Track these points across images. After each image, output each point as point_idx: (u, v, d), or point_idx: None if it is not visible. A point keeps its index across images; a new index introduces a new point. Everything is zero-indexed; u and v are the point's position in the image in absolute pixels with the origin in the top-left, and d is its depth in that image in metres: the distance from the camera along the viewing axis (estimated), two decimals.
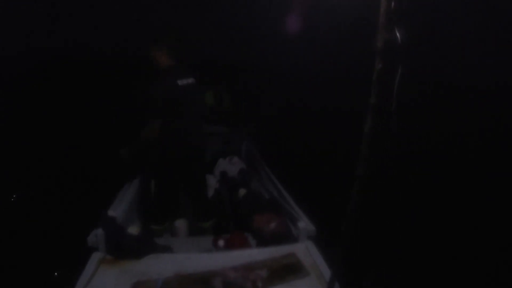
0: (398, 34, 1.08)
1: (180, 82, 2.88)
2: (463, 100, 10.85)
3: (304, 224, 2.51)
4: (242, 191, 3.54)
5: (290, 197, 3.03)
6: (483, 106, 10.59)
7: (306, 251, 2.34)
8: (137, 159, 3.09)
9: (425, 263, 3.47)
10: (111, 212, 2.64)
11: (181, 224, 3.23)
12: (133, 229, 2.38)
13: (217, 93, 5.13)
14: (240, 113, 5.37)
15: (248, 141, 4.97)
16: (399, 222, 3.41)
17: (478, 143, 7.53)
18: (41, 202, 4.27)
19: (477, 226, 4.11)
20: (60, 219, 3.86)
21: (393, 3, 1.04)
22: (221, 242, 2.76)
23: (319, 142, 7.03)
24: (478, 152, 6.97)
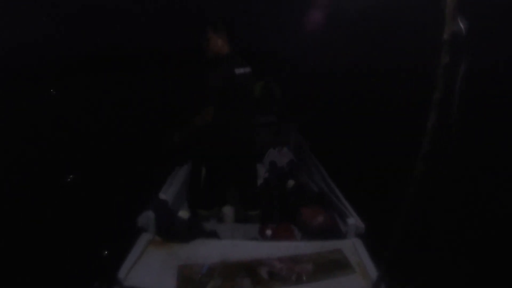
0: (462, 26, 0.99)
1: (237, 71, 2.87)
2: None
3: (353, 220, 2.44)
4: (291, 183, 3.52)
5: (339, 191, 2.96)
6: None
7: (353, 248, 2.28)
8: (188, 144, 3.16)
9: (479, 273, 3.20)
10: (162, 195, 2.72)
11: (228, 210, 3.28)
12: (184, 214, 2.45)
13: (267, 85, 5.11)
14: (291, 104, 5.32)
15: (298, 133, 4.92)
16: (455, 226, 3.22)
17: None
18: (96, 183, 4.51)
19: None
20: (112, 200, 4.05)
21: None
22: (268, 232, 2.76)
23: (372, 137, 6.79)
24: None
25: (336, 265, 2.09)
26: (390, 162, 4.84)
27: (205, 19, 3.07)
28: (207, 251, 2.16)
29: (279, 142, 4.75)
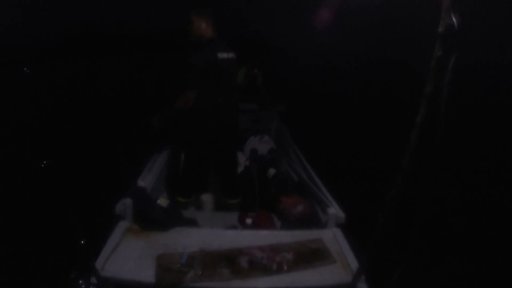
0: (455, 20, 0.98)
1: (221, 55, 2.80)
2: None
3: (334, 210, 2.44)
4: (271, 171, 3.50)
5: (320, 180, 2.96)
6: None
7: (333, 238, 2.28)
8: (169, 128, 3.08)
9: (462, 264, 3.28)
10: (140, 182, 2.65)
11: (207, 198, 3.24)
12: (163, 201, 2.39)
13: (249, 71, 5.05)
14: (272, 92, 5.28)
15: (279, 121, 4.90)
16: (439, 219, 3.27)
17: None
18: (72, 169, 4.38)
19: None
20: (88, 187, 3.94)
21: None
22: (248, 220, 2.75)
23: (356, 128, 6.83)
24: None
25: (316, 254, 2.09)
26: (373, 153, 4.89)
27: (189, 1, 2.98)
28: (186, 240, 2.12)
29: (260, 130, 4.72)
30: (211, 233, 2.28)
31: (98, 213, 2.45)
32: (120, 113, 7.15)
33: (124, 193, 2.38)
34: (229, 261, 1.95)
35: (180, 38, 2.98)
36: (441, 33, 0.98)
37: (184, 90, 2.76)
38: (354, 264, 1.99)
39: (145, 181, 2.77)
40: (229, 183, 3.27)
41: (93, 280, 1.70)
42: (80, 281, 1.64)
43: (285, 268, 1.93)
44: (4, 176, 4.26)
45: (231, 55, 2.90)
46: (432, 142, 1.14)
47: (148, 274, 1.80)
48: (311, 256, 2.07)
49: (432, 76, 1.04)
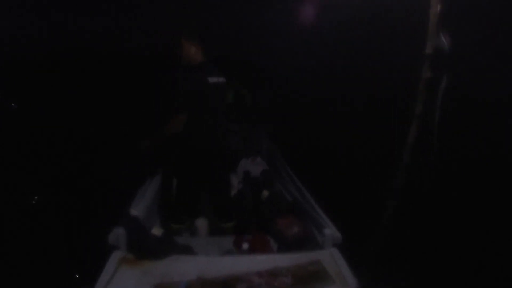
0: (445, 41, 1.00)
1: (210, 80, 2.83)
2: None
3: (330, 230, 2.43)
4: (265, 193, 3.49)
5: (314, 201, 2.95)
6: None
7: (331, 258, 2.26)
8: (157, 152, 3.06)
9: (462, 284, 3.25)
10: (133, 211, 2.61)
11: (202, 223, 3.21)
12: (157, 230, 2.35)
13: (238, 92, 5.08)
14: (260, 111, 5.30)
15: (269, 141, 4.90)
16: (434, 238, 3.25)
17: None
18: (61, 201, 4.31)
19: None
20: (79, 218, 3.87)
21: (440, 7, 0.97)
22: (245, 245, 2.72)
23: (347, 145, 6.84)
24: None
25: (315, 276, 2.07)
26: (366, 171, 4.89)
27: (179, 25, 3.01)
28: (183, 268, 2.08)
29: (252, 151, 4.72)
30: (207, 260, 2.24)
31: (91, 245, 2.40)
32: (109, 137, 7.07)
33: (117, 222, 2.34)
34: None
35: (171, 60, 2.98)
36: (429, 54, 1.01)
37: (173, 114, 2.76)
38: (353, 283, 1.97)
39: (138, 209, 2.72)
40: (222, 207, 3.25)
41: None
42: None
43: None
44: None
45: (220, 79, 2.93)
46: (425, 162, 1.15)
47: None
48: (310, 278, 2.04)
49: (422, 97, 1.07)
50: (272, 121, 5.25)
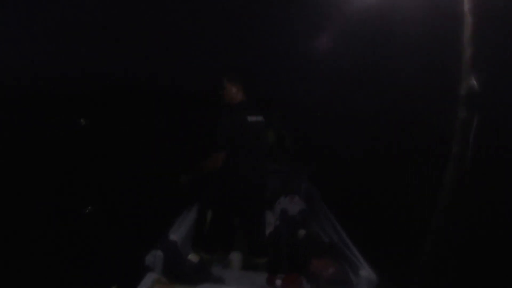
0: (476, 82, 1.03)
1: (250, 119, 2.94)
2: None
3: (366, 272, 2.37)
4: (302, 232, 3.46)
5: (351, 242, 2.90)
6: None
7: None
8: (196, 186, 3.18)
9: None
10: (171, 236, 2.69)
11: (235, 256, 3.22)
12: (194, 257, 2.41)
13: (278, 132, 5.16)
14: (302, 152, 5.34)
15: (308, 182, 4.90)
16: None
17: None
18: (110, 218, 4.51)
19: None
20: (122, 237, 4.03)
21: (471, 49, 1.01)
22: (278, 282, 2.69)
23: (385, 187, 6.71)
24: None
25: None
26: (403, 212, 4.76)
27: (222, 67, 3.21)
28: None
29: (290, 190, 4.72)
30: None
31: (129, 263, 2.49)
32: (151, 168, 7.39)
33: (155, 245, 2.42)
34: None
35: (214, 99, 3.16)
36: (464, 95, 1.04)
37: (212, 151, 2.88)
38: None
39: (176, 235, 2.80)
40: (256, 242, 3.25)
41: None
42: None
43: None
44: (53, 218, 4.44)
45: (260, 118, 3.04)
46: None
47: None
48: None
49: (458, 137, 1.08)
50: (312, 162, 5.27)
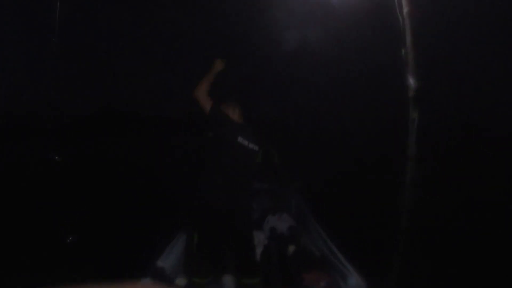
0: (411, 81, 1.09)
1: (242, 141, 2.95)
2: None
3: (355, 281, 2.40)
4: (291, 248, 3.47)
5: (341, 253, 2.92)
6: None
7: None
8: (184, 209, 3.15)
9: None
10: (159, 263, 2.69)
11: (227, 279, 3.19)
12: (181, 281, 2.40)
13: (266, 152, 5.18)
14: (289, 169, 5.38)
15: (297, 197, 4.92)
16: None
17: None
18: (95, 247, 4.46)
19: None
20: (109, 266, 3.99)
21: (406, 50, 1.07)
22: None
23: (365, 195, 6.82)
24: None
25: None
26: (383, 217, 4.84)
27: (219, 89, 3.22)
28: None
29: (279, 207, 4.73)
30: None
31: None
32: (140, 192, 7.35)
33: (144, 273, 2.42)
34: None
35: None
36: (412, 96, 1.10)
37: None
38: None
39: (165, 262, 2.80)
40: (246, 263, 3.23)
41: None
42: None
43: None
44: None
45: (252, 144, 3.03)
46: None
47: None
48: None
49: (412, 138, 1.14)
50: (301, 178, 5.31)
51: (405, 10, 1.08)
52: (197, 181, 2.92)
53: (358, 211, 6.08)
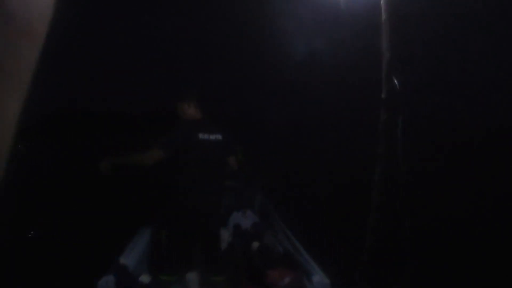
0: (397, 83, 1.13)
1: (202, 136, 2.94)
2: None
3: (319, 277, 2.45)
4: (255, 245, 3.49)
5: (304, 250, 2.97)
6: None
7: None
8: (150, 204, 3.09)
9: None
10: (122, 260, 2.62)
11: (193, 276, 3.16)
12: (144, 278, 2.36)
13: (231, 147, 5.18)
14: (253, 166, 5.40)
15: (262, 194, 4.96)
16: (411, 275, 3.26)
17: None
18: (54, 243, 4.30)
19: None
20: (71, 264, 3.85)
21: (389, 53, 1.11)
22: None
23: (328, 191, 6.99)
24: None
25: None
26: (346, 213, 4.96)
27: (179, 85, 3.18)
28: None
29: (244, 205, 4.75)
30: None
31: None
32: (104, 189, 7.15)
33: (107, 271, 2.36)
34: None
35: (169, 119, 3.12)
36: (385, 98, 1.13)
37: (150, 148, 2.74)
38: None
39: (129, 258, 2.74)
40: (213, 260, 3.22)
41: None
42: None
43: None
44: None
45: (215, 136, 3.03)
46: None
47: None
48: None
49: (382, 139, 1.17)
50: (265, 175, 5.34)
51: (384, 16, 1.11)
52: (166, 179, 2.86)
53: (323, 209, 6.20)
